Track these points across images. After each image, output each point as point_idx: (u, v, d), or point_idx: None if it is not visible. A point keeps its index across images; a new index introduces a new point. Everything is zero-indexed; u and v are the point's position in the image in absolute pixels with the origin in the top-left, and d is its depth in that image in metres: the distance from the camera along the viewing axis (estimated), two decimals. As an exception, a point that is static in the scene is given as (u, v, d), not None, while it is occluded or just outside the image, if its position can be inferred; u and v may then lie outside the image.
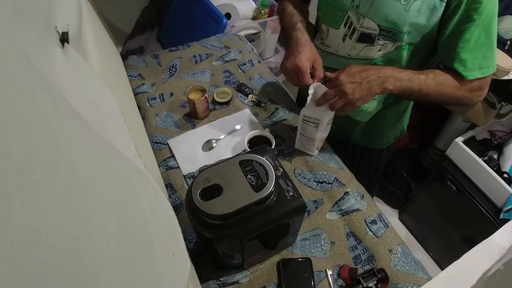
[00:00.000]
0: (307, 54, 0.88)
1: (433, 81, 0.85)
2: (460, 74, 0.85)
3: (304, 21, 0.99)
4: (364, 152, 1.26)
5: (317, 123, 0.95)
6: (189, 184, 1.02)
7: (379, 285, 0.81)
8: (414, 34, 0.86)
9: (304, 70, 0.87)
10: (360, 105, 0.84)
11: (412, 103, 1.16)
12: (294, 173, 1.06)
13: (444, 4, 0.79)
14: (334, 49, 1.00)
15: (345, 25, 0.93)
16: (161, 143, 1.13)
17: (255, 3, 2.12)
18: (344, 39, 0.95)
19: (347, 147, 1.23)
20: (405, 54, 0.91)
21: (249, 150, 0.91)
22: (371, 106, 1.03)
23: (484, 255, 0.69)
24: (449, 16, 0.81)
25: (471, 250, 0.71)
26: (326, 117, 0.93)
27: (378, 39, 0.89)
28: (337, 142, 1.20)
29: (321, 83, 0.89)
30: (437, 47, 0.90)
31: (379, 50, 0.91)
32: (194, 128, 1.18)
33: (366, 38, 0.91)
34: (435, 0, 0.79)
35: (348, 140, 1.23)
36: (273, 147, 1.04)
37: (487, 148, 1.63)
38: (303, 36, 0.93)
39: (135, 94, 1.29)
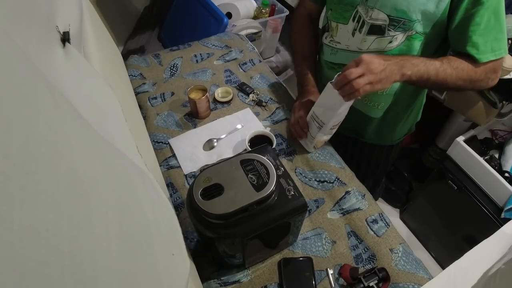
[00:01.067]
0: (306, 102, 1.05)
1: (448, 65, 0.86)
2: (473, 57, 0.86)
3: (312, 68, 1.14)
4: (373, 149, 1.26)
5: (321, 125, 0.95)
6: (190, 183, 1.02)
7: (380, 285, 0.81)
8: (424, 23, 0.87)
9: (303, 126, 1.03)
10: (378, 89, 0.83)
11: (423, 100, 1.16)
12: (295, 172, 1.06)
13: None
14: (345, 45, 1.01)
15: (353, 20, 0.95)
16: (162, 142, 1.13)
17: (256, 2, 2.12)
18: (353, 34, 0.97)
19: (356, 144, 1.24)
20: (416, 44, 0.91)
21: (250, 149, 0.91)
22: (383, 101, 1.05)
23: (485, 254, 0.69)
24: (457, 2, 0.82)
25: (472, 249, 0.71)
26: (332, 122, 0.93)
27: (388, 30, 0.90)
28: (346, 139, 1.20)
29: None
30: (447, 37, 0.91)
31: (390, 42, 0.92)
32: (195, 127, 1.18)
33: (376, 30, 0.92)
34: None
35: (359, 137, 1.23)
36: (274, 146, 1.04)
37: (488, 147, 1.62)
38: (311, 88, 1.11)
39: (136, 94, 1.29)
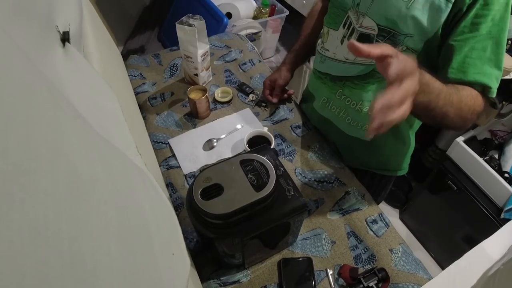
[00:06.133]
0: (272, 76, 1.20)
1: (456, 96, 0.70)
2: (485, 86, 0.75)
3: (303, 49, 1.18)
4: (363, 176, 1.12)
5: None
6: (190, 183, 1.02)
7: (380, 285, 0.81)
8: (416, 38, 0.78)
9: (265, 86, 1.22)
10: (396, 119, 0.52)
11: (417, 126, 1.08)
12: (295, 172, 1.06)
13: (450, 5, 0.71)
14: (332, 53, 0.96)
15: (344, 26, 0.91)
16: (162, 142, 1.13)
17: (256, 2, 2.12)
18: (342, 41, 0.92)
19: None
20: None
21: (249, 149, 0.91)
22: (367, 120, 0.97)
23: (485, 255, 0.69)
24: (457, 20, 0.72)
25: (471, 250, 0.71)
26: None
27: (376, 40, 0.84)
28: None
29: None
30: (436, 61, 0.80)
31: None
32: (195, 127, 1.18)
33: (365, 39, 0.86)
34: (441, 0, 0.72)
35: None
36: (272, 146, 1.04)
37: (488, 147, 1.62)
38: (283, 65, 1.20)
39: (136, 94, 1.29)
